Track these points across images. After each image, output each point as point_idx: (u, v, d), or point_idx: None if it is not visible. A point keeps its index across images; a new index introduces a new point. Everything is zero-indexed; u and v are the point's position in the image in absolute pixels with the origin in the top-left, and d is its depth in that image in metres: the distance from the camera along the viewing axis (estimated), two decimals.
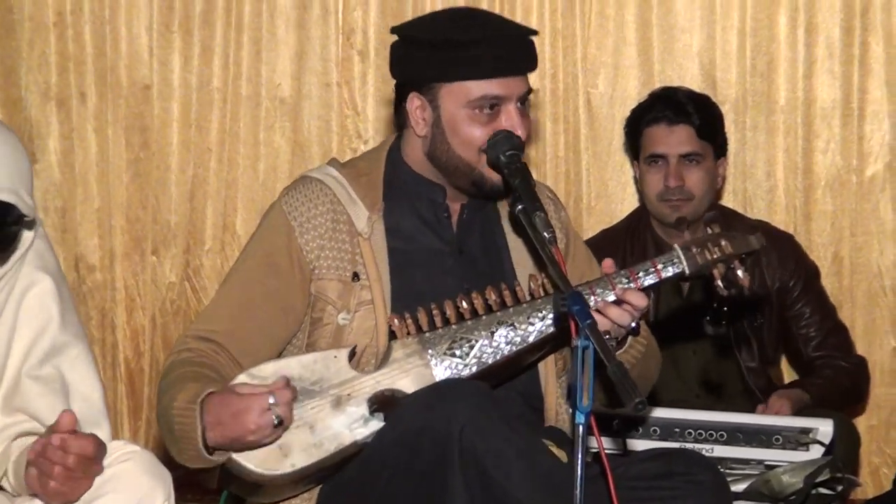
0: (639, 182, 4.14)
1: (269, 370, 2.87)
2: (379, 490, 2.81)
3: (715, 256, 2.99)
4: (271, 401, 2.74)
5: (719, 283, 3.00)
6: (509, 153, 2.92)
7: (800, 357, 4.13)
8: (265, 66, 4.63)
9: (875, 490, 4.39)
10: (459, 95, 2.96)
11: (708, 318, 4.02)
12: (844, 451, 3.68)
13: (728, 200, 4.47)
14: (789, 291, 4.08)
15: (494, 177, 2.98)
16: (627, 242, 4.11)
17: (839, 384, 4.04)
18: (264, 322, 2.99)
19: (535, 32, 3.04)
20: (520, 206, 2.82)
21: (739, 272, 3.00)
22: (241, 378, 2.85)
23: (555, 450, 2.87)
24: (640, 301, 2.89)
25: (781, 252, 4.08)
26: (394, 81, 3.09)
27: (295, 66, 4.64)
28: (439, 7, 4.53)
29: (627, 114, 4.20)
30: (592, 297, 2.88)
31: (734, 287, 3.07)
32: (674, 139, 3.99)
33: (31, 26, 4.66)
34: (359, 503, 2.85)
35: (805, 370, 4.15)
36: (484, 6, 4.53)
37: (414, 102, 3.01)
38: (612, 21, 4.55)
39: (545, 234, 2.76)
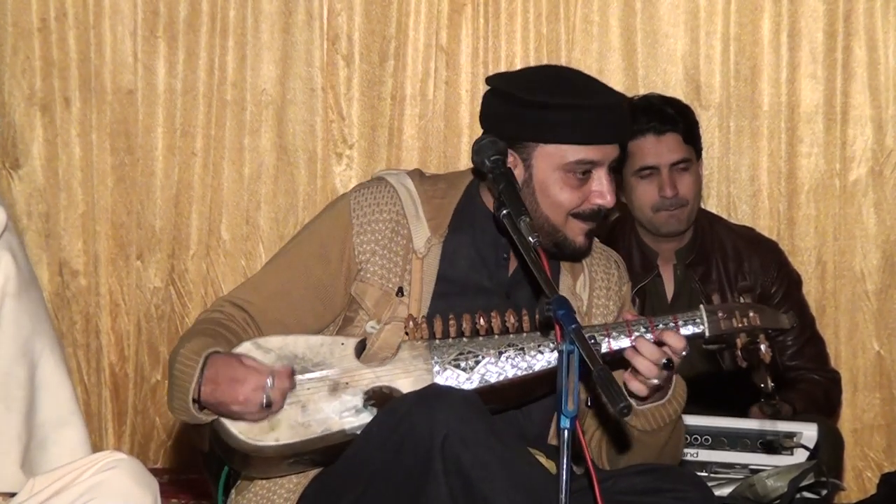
0: (624, 194, 4.02)
1: (276, 343, 2.88)
2: (361, 489, 2.80)
3: (740, 325, 2.93)
4: (268, 382, 2.78)
5: (739, 353, 2.93)
6: (493, 158, 2.90)
7: (775, 365, 4.12)
8: (250, 71, 4.63)
9: (859, 494, 4.41)
10: (555, 157, 2.92)
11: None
12: (829, 455, 3.68)
13: (712, 205, 4.48)
14: (770, 298, 4.06)
15: (578, 239, 2.96)
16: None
17: (814, 398, 4.03)
18: (299, 307, 2.99)
19: (630, 100, 2.95)
20: (504, 211, 2.80)
21: (762, 347, 2.93)
22: (247, 346, 2.87)
23: (543, 460, 2.86)
24: (679, 342, 2.84)
25: (765, 258, 4.07)
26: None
27: (280, 71, 4.63)
28: (423, 13, 4.54)
29: None
30: (608, 340, 2.88)
31: (754, 360, 2.98)
32: (664, 148, 3.95)
33: (15, 31, 4.65)
34: (341, 501, 2.85)
35: (779, 379, 4.14)
36: (468, 12, 4.53)
37: (507, 158, 2.95)
38: (596, 26, 4.55)
39: (530, 238, 2.75)
